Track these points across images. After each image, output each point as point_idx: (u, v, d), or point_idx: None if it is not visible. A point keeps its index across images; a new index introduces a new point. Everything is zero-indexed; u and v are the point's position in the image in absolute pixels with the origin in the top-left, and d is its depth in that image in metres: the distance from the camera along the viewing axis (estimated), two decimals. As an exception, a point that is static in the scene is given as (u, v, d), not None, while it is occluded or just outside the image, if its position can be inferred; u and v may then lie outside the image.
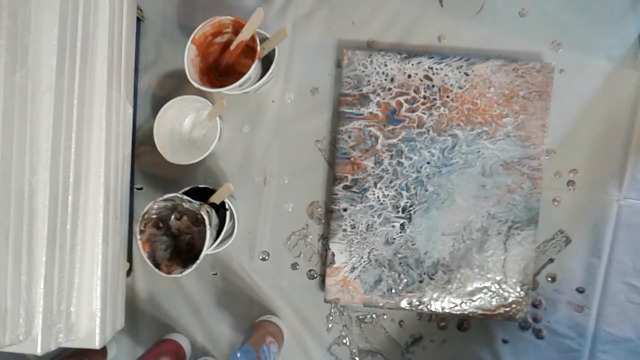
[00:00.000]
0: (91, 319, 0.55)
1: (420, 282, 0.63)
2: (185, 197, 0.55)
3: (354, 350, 0.67)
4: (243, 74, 0.56)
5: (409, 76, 0.63)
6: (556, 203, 0.65)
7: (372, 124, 0.64)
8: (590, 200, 0.65)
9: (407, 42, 0.67)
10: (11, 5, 0.45)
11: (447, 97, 0.63)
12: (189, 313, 0.68)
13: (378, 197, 0.63)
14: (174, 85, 0.68)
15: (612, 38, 0.65)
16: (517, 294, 0.63)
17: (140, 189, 0.69)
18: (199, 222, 0.60)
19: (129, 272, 0.67)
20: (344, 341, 0.67)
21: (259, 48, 0.58)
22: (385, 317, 0.67)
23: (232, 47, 0.61)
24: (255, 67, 0.57)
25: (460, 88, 0.63)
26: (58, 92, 0.49)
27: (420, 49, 0.66)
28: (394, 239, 0.63)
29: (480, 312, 0.63)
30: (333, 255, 0.64)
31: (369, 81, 0.64)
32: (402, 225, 0.63)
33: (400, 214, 0.63)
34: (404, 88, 0.63)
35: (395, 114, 0.63)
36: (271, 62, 0.62)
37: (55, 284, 0.51)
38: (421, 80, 0.63)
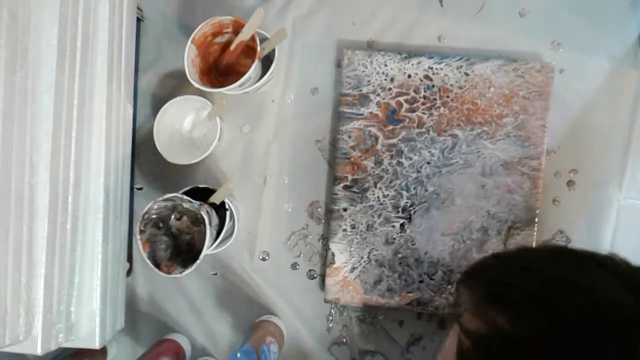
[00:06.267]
0: (91, 319, 0.55)
1: (420, 282, 0.63)
2: (185, 197, 0.55)
3: (354, 350, 0.67)
4: (243, 74, 0.57)
5: (409, 76, 0.63)
6: (556, 203, 0.65)
7: (372, 124, 0.64)
8: (590, 200, 0.65)
9: (407, 42, 0.67)
10: (11, 5, 0.45)
11: (447, 97, 0.63)
12: (189, 313, 0.68)
13: (378, 197, 0.63)
14: (174, 85, 0.68)
15: (612, 38, 0.65)
16: (517, 294, 0.62)
17: (140, 189, 0.69)
18: (199, 222, 0.60)
19: (129, 272, 0.67)
20: (344, 341, 0.67)
21: (259, 48, 0.58)
22: (385, 317, 0.66)
23: (232, 47, 0.61)
24: (255, 67, 0.57)
25: (460, 88, 0.63)
26: (58, 92, 0.49)
27: (420, 49, 0.66)
28: (394, 239, 0.63)
29: (480, 312, 0.63)
30: (333, 255, 0.64)
31: (369, 81, 0.64)
32: (402, 225, 0.63)
33: (400, 214, 0.63)
34: (404, 88, 0.63)
35: (395, 114, 0.63)
36: (271, 62, 0.62)
37: (55, 284, 0.51)
38: (421, 80, 0.63)
